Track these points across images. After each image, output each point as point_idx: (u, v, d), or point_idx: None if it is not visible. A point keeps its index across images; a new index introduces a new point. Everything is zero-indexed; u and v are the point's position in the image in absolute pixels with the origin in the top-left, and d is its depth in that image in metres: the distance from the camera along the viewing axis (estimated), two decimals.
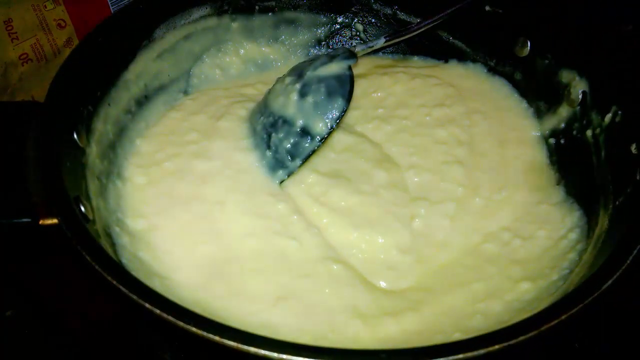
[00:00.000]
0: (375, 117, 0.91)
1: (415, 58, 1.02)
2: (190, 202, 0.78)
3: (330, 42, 1.04)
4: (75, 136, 0.71)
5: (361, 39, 1.04)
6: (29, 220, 0.63)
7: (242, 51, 0.97)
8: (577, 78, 0.83)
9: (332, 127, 0.80)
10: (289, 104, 0.82)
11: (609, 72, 0.79)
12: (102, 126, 0.78)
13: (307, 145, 0.81)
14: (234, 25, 0.96)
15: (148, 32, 0.87)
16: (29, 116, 0.71)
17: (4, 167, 0.67)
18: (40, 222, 0.62)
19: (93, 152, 0.75)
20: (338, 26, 1.01)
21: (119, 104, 0.83)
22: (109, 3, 0.99)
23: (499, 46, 0.94)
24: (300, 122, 0.81)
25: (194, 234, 0.75)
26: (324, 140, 0.81)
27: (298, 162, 0.81)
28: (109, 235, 0.71)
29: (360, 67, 1.01)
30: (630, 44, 0.97)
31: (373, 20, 1.03)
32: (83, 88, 0.75)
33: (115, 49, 0.82)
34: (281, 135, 0.81)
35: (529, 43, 0.90)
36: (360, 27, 1.04)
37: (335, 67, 0.83)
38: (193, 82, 0.95)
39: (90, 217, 0.67)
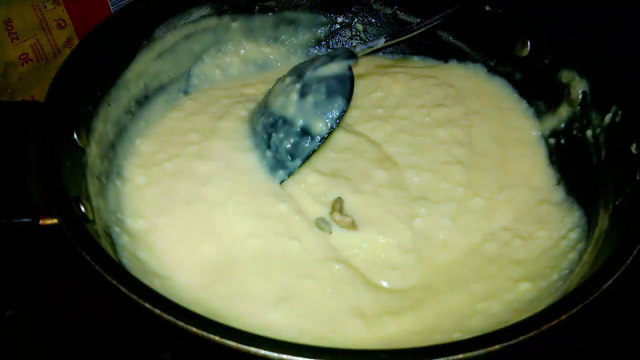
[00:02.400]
0: (375, 117, 0.91)
1: (415, 58, 1.02)
2: (191, 203, 0.78)
3: (330, 42, 1.04)
4: (75, 136, 0.71)
5: (361, 39, 1.04)
6: (29, 220, 0.63)
7: (242, 51, 0.97)
8: (577, 78, 0.83)
9: (332, 127, 0.81)
10: (289, 104, 0.82)
11: (609, 72, 0.79)
12: (102, 126, 0.78)
13: (307, 145, 0.81)
14: (234, 25, 0.96)
15: (148, 32, 0.87)
16: (29, 116, 0.71)
17: (4, 167, 0.67)
18: (40, 222, 0.62)
19: (93, 152, 0.75)
20: (338, 26, 1.01)
21: (119, 104, 0.83)
22: (109, 3, 0.99)
23: (499, 46, 0.94)
24: (300, 122, 0.81)
25: (195, 235, 0.75)
26: (324, 140, 0.81)
27: (298, 162, 0.81)
28: (109, 236, 0.71)
29: (360, 67, 1.00)
30: (630, 43, 0.97)
31: (373, 20, 1.03)
32: (83, 88, 0.75)
33: (115, 49, 0.82)
34: (281, 135, 0.82)
35: (529, 43, 0.90)
36: (360, 27, 1.04)
37: (335, 67, 0.83)
38: (193, 82, 0.95)
39: (90, 217, 0.67)
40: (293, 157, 0.81)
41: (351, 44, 1.05)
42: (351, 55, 0.85)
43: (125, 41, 0.84)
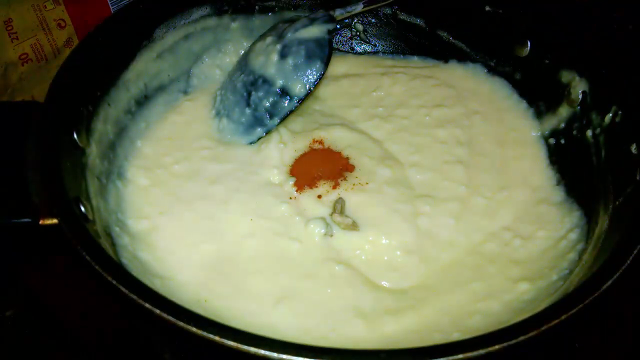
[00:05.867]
0: (376, 116, 0.91)
1: (415, 58, 1.02)
2: (194, 202, 0.78)
3: None
4: (75, 136, 0.71)
5: (361, 39, 1.04)
6: (29, 220, 0.63)
7: (242, 51, 0.97)
8: (577, 78, 0.83)
9: (310, 90, 0.84)
10: (270, 64, 0.85)
11: (609, 72, 0.79)
12: (102, 126, 0.78)
13: (285, 105, 0.85)
14: (234, 25, 0.96)
15: (148, 32, 0.87)
16: (29, 116, 0.71)
17: (4, 167, 0.67)
18: (40, 222, 0.62)
19: (93, 152, 0.75)
20: (338, 26, 1.01)
21: (118, 104, 0.83)
22: (109, 3, 0.99)
23: (499, 46, 0.94)
24: (280, 83, 0.85)
25: (196, 234, 0.75)
26: (301, 101, 0.85)
27: (276, 120, 0.85)
28: (109, 236, 0.71)
29: (360, 67, 1.01)
30: (630, 44, 0.97)
31: (373, 21, 1.03)
32: (83, 88, 0.75)
33: (115, 49, 0.82)
34: (261, 94, 0.85)
35: (529, 43, 0.90)
36: (360, 27, 1.04)
37: (315, 31, 0.86)
38: (193, 82, 0.95)
39: (90, 217, 0.67)
40: (271, 116, 0.85)
41: (351, 44, 1.05)
42: (330, 19, 0.87)
43: (125, 41, 0.84)
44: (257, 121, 0.86)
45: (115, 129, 0.82)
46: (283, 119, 0.85)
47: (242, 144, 0.86)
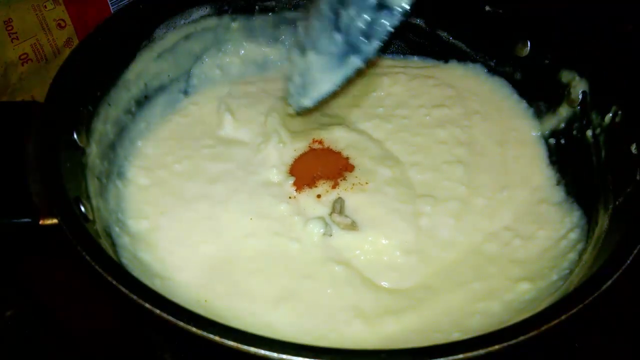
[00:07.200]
0: (376, 116, 0.91)
1: (415, 58, 1.02)
2: (194, 202, 0.78)
3: None
4: (75, 136, 0.71)
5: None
6: (29, 220, 0.63)
7: (242, 51, 0.97)
8: (577, 78, 0.83)
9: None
10: None
11: (609, 72, 0.79)
12: (102, 126, 0.78)
13: (385, 21, 0.67)
14: (234, 25, 0.96)
15: (148, 32, 0.87)
16: (29, 116, 0.71)
17: (4, 167, 0.67)
18: (40, 222, 0.62)
19: (93, 152, 0.75)
20: None
21: (119, 104, 0.83)
22: (109, 3, 0.99)
23: (499, 46, 0.94)
24: None
25: (196, 234, 0.75)
26: (407, 14, 0.66)
27: (375, 43, 0.68)
28: (109, 236, 0.71)
29: None
30: (630, 44, 0.97)
31: None
32: (83, 88, 0.75)
33: (115, 49, 0.82)
34: (352, 12, 0.68)
35: (529, 43, 0.90)
36: None
37: None
38: (193, 82, 0.95)
39: (90, 217, 0.67)
40: (368, 38, 0.68)
41: None
42: None
43: (125, 41, 0.84)
44: (351, 48, 0.70)
45: (116, 129, 0.82)
46: (384, 42, 0.68)
47: (319, 95, 0.74)
